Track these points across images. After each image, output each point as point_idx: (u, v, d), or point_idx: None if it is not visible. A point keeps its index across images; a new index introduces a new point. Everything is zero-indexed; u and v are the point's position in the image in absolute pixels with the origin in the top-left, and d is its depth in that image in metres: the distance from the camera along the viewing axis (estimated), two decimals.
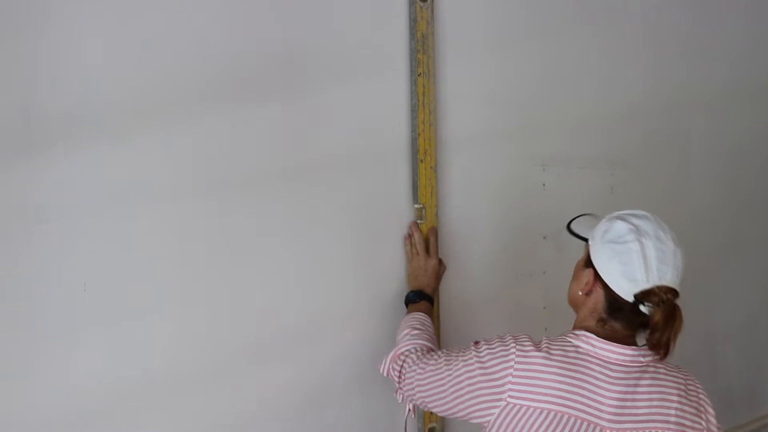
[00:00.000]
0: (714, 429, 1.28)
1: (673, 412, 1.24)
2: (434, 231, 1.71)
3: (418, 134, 1.66)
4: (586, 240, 1.36)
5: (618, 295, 1.25)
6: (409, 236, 1.70)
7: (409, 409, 1.52)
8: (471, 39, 1.77)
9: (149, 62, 1.37)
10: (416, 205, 1.69)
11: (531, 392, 1.23)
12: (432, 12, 1.65)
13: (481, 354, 1.31)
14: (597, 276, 1.28)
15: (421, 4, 1.63)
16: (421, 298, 1.64)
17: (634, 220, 1.27)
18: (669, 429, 1.23)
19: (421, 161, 1.67)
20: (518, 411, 1.23)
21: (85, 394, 1.35)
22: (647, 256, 1.22)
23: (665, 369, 1.27)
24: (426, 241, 1.69)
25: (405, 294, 1.69)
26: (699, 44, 2.28)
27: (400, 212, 1.71)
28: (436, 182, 1.70)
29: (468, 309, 1.81)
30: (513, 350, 1.27)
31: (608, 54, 2.05)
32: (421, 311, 1.60)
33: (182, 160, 1.41)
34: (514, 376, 1.25)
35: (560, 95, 1.97)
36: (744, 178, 2.43)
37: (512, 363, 1.26)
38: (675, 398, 1.25)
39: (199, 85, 1.42)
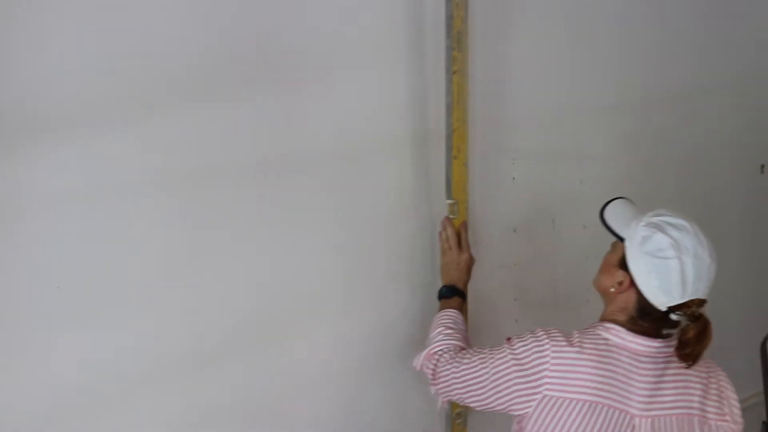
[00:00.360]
0: (737, 415, 1.38)
1: (696, 399, 1.35)
2: (465, 225, 1.75)
3: (453, 131, 1.69)
4: (618, 237, 1.40)
5: (651, 303, 1.32)
6: (443, 230, 1.73)
7: (442, 403, 1.59)
8: (439, 30, 1.76)
9: (123, 55, 1.35)
10: (449, 201, 1.73)
11: (567, 385, 1.32)
12: (467, 10, 1.67)
13: (516, 351, 1.38)
14: (633, 281, 1.34)
15: (457, 1, 1.64)
16: (454, 294, 1.68)
17: (674, 233, 1.31)
18: (693, 415, 1.34)
19: (455, 158, 1.70)
20: (555, 403, 1.32)
21: (59, 393, 1.37)
22: (685, 274, 1.29)
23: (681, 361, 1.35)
24: (457, 235, 1.73)
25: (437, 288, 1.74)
26: (668, 40, 2.32)
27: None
28: (467, 178, 1.75)
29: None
30: (548, 345, 1.35)
31: (579, 49, 2.07)
32: (453, 308, 1.64)
33: (160, 155, 1.42)
34: (550, 371, 1.33)
35: (530, 89, 1.97)
36: (709, 173, 2.51)
37: (548, 358, 1.33)
38: (698, 387, 1.36)
39: (187, 74, 1.43)
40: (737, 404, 1.40)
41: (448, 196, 1.73)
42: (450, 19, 1.65)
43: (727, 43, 2.50)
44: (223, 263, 1.52)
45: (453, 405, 1.78)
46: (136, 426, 1.46)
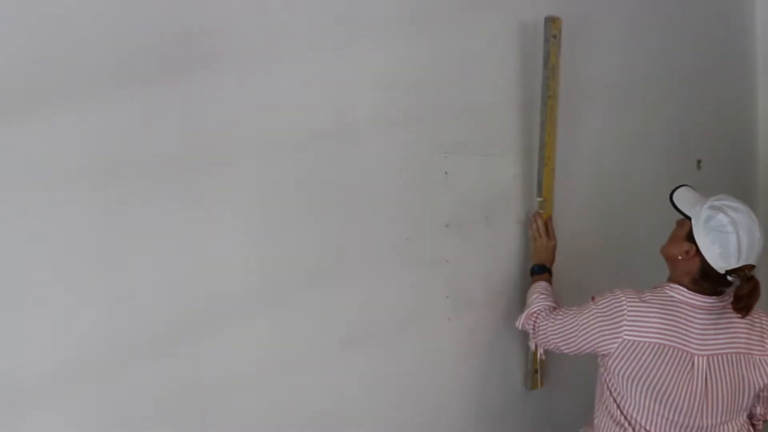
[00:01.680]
0: None
1: (743, 339, 1.76)
2: (550, 218, 2.22)
3: (545, 144, 2.16)
4: (685, 215, 1.78)
5: (713, 268, 1.72)
6: (534, 222, 2.19)
7: (541, 353, 2.08)
8: (377, 21, 1.83)
9: (24, 46, 1.30)
10: (539, 199, 2.19)
11: (641, 330, 1.75)
12: (559, 46, 2.12)
13: (599, 306, 1.83)
14: (698, 250, 1.73)
15: (553, 40, 2.11)
16: (544, 271, 2.16)
17: (732, 213, 1.70)
18: (740, 353, 1.74)
19: (546, 165, 2.17)
20: (632, 345, 1.75)
21: None
22: (741, 245, 1.68)
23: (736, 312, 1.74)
24: (545, 226, 2.20)
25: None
26: (606, 37, 2.48)
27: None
28: (554, 182, 2.18)
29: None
30: (624, 300, 1.77)
31: (511, 43, 2.16)
32: (545, 280, 2.13)
33: (69, 149, 1.35)
34: (628, 319, 1.75)
35: (463, 82, 2.02)
36: (648, 167, 2.70)
37: (625, 310, 1.76)
38: (745, 329, 1.76)
39: (100, 64, 1.38)
40: None
41: (539, 194, 2.19)
42: (547, 54, 2.12)
43: (664, 41, 2.74)
44: (143, 260, 1.45)
45: (534, 362, 2.22)
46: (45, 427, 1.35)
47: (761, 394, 1.86)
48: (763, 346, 1.79)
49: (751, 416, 1.93)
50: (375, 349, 1.88)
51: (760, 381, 1.80)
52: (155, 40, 1.45)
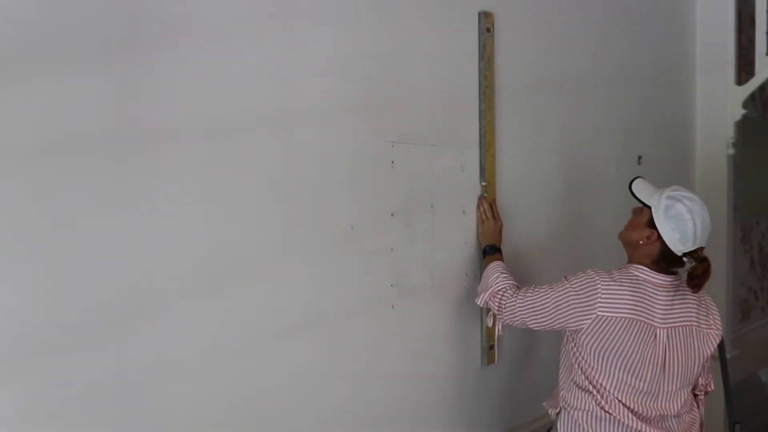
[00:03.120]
0: (718, 323, 1.98)
1: (694, 314, 1.94)
2: (495, 201, 2.32)
3: (486, 131, 2.24)
4: (645, 204, 1.93)
5: (672, 251, 1.90)
6: (480, 205, 2.28)
7: (499, 329, 2.18)
8: (325, 9, 1.84)
9: None
10: (483, 183, 2.27)
11: (614, 306, 1.88)
12: (494, 39, 2.23)
13: (573, 284, 1.94)
14: (659, 236, 1.90)
15: (487, 33, 2.20)
16: (496, 251, 2.24)
17: (688, 203, 1.88)
18: (692, 325, 1.93)
19: (488, 151, 2.26)
20: (606, 320, 1.87)
21: None
22: (696, 230, 1.87)
23: (688, 288, 1.93)
24: (491, 208, 2.29)
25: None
26: (554, 34, 2.58)
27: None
28: (495, 166, 2.29)
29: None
30: (598, 279, 1.90)
31: (460, 34, 2.21)
32: (498, 260, 2.20)
33: (4, 126, 1.32)
34: (601, 297, 1.88)
35: (409, 73, 2.05)
36: (591, 162, 2.79)
37: (599, 288, 1.89)
38: (695, 305, 1.95)
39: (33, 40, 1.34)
40: (718, 317, 2.01)
41: (482, 179, 2.27)
42: (483, 47, 2.21)
43: (604, 40, 2.86)
44: (74, 244, 1.40)
45: (489, 338, 2.31)
46: None
47: (705, 364, 2.04)
48: (708, 321, 1.99)
49: (693, 387, 2.06)
50: (321, 337, 1.88)
51: (707, 350, 1.99)
52: (92, 18, 1.42)
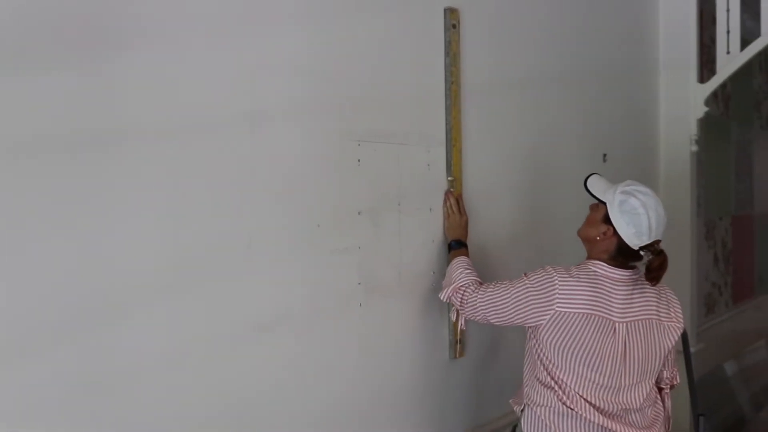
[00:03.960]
0: (680, 316, 2.00)
1: (654, 307, 1.96)
2: (461, 195, 2.33)
3: (452, 127, 2.25)
4: (600, 200, 1.96)
5: (628, 245, 1.92)
6: (446, 200, 2.28)
7: (462, 324, 2.19)
8: (288, 7, 1.83)
9: None
10: (449, 178, 2.28)
11: (572, 302, 1.90)
12: (459, 34, 2.23)
13: (531, 280, 1.96)
14: (614, 231, 1.92)
15: (453, 29, 2.21)
16: (461, 246, 2.25)
17: (642, 197, 1.90)
18: (652, 318, 1.94)
19: (454, 146, 2.27)
20: (564, 316, 1.90)
21: None
22: (651, 224, 1.89)
23: (647, 282, 1.95)
24: (457, 203, 2.29)
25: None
26: (517, 33, 2.59)
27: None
28: (461, 161, 2.30)
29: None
30: (555, 275, 1.92)
31: (426, 31, 2.21)
32: (464, 255, 2.21)
33: None
34: (559, 293, 1.90)
35: (376, 69, 2.05)
36: (556, 160, 2.82)
37: (557, 284, 1.92)
38: (654, 299, 1.96)
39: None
40: (680, 310, 2.02)
41: (449, 174, 2.28)
42: (449, 44, 2.22)
43: (569, 39, 2.89)
44: (41, 244, 1.38)
45: (454, 332, 2.32)
46: None
47: (668, 357, 2.05)
48: (669, 314, 2.00)
49: (659, 381, 2.08)
50: (289, 336, 1.87)
51: (668, 343, 2.00)
52: (52, 16, 1.40)
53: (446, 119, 2.28)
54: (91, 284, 1.47)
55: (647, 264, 1.94)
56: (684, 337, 2.17)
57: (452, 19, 2.27)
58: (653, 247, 1.93)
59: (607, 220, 1.94)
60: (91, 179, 1.47)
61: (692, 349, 3.10)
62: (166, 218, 1.59)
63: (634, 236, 1.91)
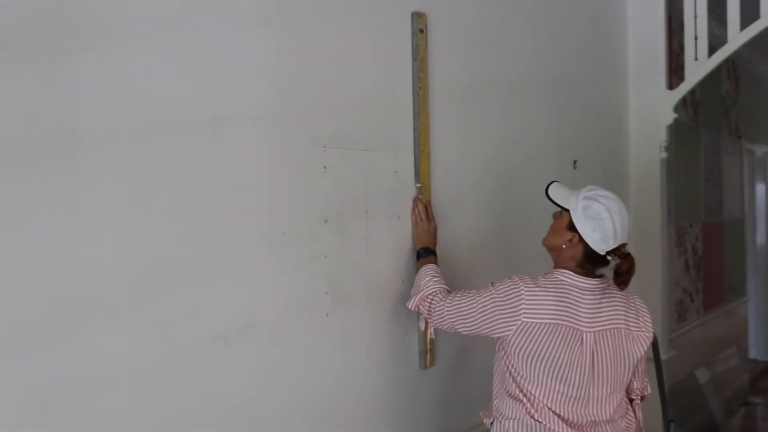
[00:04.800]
0: (649, 325, 1.98)
1: (622, 316, 1.94)
2: (429, 202, 2.31)
3: (420, 133, 2.23)
4: (562, 207, 1.95)
5: (594, 251, 1.91)
6: (415, 207, 2.26)
7: (431, 333, 2.18)
8: (253, 10, 1.82)
9: None
10: (417, 185, 2.26)
11: (538, 312, 1.88)
12: (427, 39, 2.22)
13: (498, 290, 1.94)
14: (580, 238, 1.91)
15: (420, 34, 2.19)
16: (430, 253, 2.23)
17: (605, 201, 1.90)
18: (620, 328, 1.92)
19: (422, 152, 2.25)
20: (530, 326, 1.88)
21: None
22: (616, 227, 1.89)
23: (616, 290, 1.94)
24: (425, 210, 2.28)
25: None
26: (488, 39, 2.58)
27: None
28: (430, 167, 2.28)
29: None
30: (522, 286, 1.90)
31: (393, 35, 2.20)
32: (432, 263, 2.19)
33: None
34: (525, 303, 1.88)
35: (342, 73, 2.03)
36: (526, 167, 2.83)
37: (523, 294, 1.89)
38: (623, 308, 1.94)
39: None
40: (649, 318, 2.00)
41: (417, 180, 2.26)
42: (416, 48, 2.20)
43: (538, 44, 2.89)
44: (2, 251, 1.36)
45: (424, 341, 2.30)
46: None
47: (638, 367, 2.04)
48: (638, 323, 1.98)
49: (629, 391, 2.06)
50: (255, 346, 1.82)
51: (637, 352, 1.98)
52: (11, 17, 1.37)
53: (414, 125, 2.26)
54: (49, 293, 1.43)
55: (615, 268, 1.93)
56: (655, 344, 2.16)
57: (420, 24, 2.26)
58: (620, 251, 1.92)
59: (571, 227, 1.94)
60: (46, 184, 1.43)
61: (664, 357, 3.11)
62: (126, 226, 1.56)
63: (600, 241, 1.90)
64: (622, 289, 1.95)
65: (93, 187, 1.50)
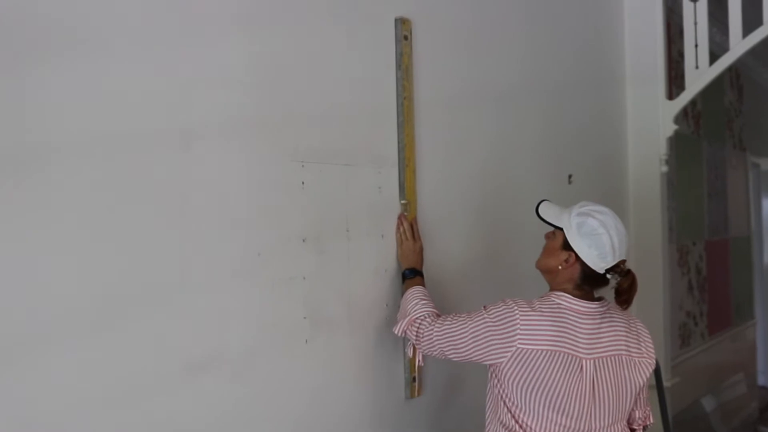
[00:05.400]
0: (651, 351, 1.99)
1: (623, 342, 1.94)
2: (415, 220, 2.32)
3: (404, 146, 2.24)
4: (555, 226, 1.96)
5: (593, 270, 1.91)
6: (399, 225, 2.27)
7: (419, 360, 2.17)
8: (223, 12, 1.82)
9: None
10: (402, 201, 2.27)
11: (535, 338, 1.87)
12: (411, 46, 2.24)
13: (491, 314, 1.94)
14: (577, 257, 1.91)
15: (404, 41, 2.21)
16: (416, 274, 2.24)
17: (600, 216, 1.91)
18: (621, 354, 1.92)
19: (407, 166, 2.26)
20: (526, 353, 1.87)
21: None
22: (614, 243, 1.90)
23: (616, 313, 1.96)
24: (411, 228, 2.28)
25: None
26: (459, 40, 2.57)
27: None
28: (415, 183, 2.29)
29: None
30: (516, 309, 1.90)
31: (376, 43, 2.21)
32: (419, 284, 2.20)
33: None
34: (521, 328, 1.88)
35: (321, 83, 2.04)
36: (520, 181, 2.85)
37: (518, 318, 1.89)
38: (623, 333, 1.95)
39: None
40: (651, 344, 2.01)
41: (402, 197, 2.27)
42: (400, 55, 2.22)
43: (530, 51, 2.93)
44: None
45: (411, 369, 2.29)
46: None
47: (640, 395, 2.04)
48: (639, 349, 1.99)
49: (631, 422, 2.07)
50: (226, 376, 1.82)
51: (639, 380, 1.99)
52: None
53: (398, 137, 2.28)
54: (2, 318, 1.41)
55: (616, 287, 1.94)
56: (657, 371, 2.17)
57: (404, 30, 2.28)
58: (619, 268, 1.93)
59: (566, 246, 1.95)
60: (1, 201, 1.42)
61: (666, 384, 3.12)
62: (84, 246, 1.54)
63: (598, 259, 1.91)
64: (625, 309, 1.96)
65: (52, 205, 1.49)
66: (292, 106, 1.98)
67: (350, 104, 2.15)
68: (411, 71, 2.31)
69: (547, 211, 2.03)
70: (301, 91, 2.01)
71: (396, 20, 2.29)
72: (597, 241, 1.91)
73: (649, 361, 2.00)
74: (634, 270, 1.98)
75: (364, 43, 2.21)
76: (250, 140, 1.88)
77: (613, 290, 1.96)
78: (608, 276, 1.94)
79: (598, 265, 1.92)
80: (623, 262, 1.95)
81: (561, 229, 1.96)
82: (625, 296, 1.93)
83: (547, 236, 2.03)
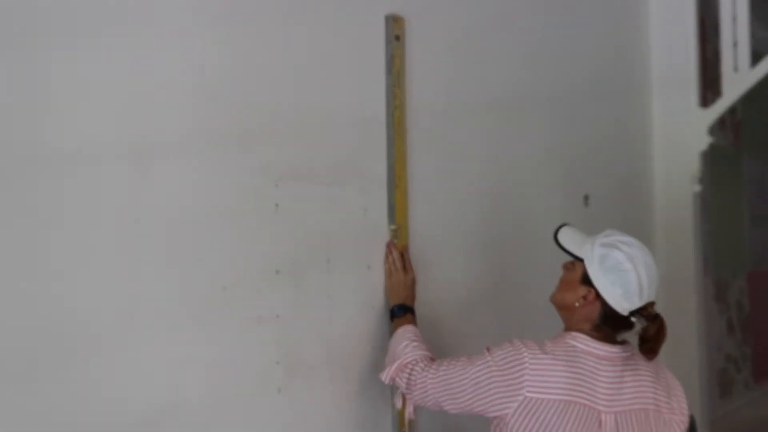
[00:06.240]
0: (684, 406, 1.99)
1: (650, 395, 1.94)
2: (407, 248, 2.37)
3: (395, 162, 2.30)
4: (575, 257, 1.99)
5: (615, 310, 1.93)
6: (388, 254, 2.32)
7: (410, 412, 2.19)
8: (189, 15, 1.86)
9: None
10: (392, 226, 2.32)
11: (545, 386, 1.89)
12: (404, 48, 2.29)
13: (496, 358, 1.98)
14: (597, 294, 1.94)
15: (396, 42, 2.27)
16: (406, 311, 2.28)
17: (627, 249, 1.94)
18: (648, 410, 1.93)
19: (397, 187, 2.31)
20: (535, 403, 1.89)
21: None
22: (641, 282, 1.91)
23: (642, 361, 1.96)
24: (401, 258, 2.33)
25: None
26: (477, 41, 2.66)
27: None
28: (407, 206, 2.33)
29: None
30: (525, 353, 1.93)
31: (363, 44, 2.27)
32: (410, 323, 2.25)
33: None
34: (530, 374, 1.90)
35: (299, 90, 2.08)
36: (534, 203, 2.91)
37: (527, 363, 1.91)
38: (651, 383, 1.95)
39: None
40: (683, 398, 2.01)
41: (391, 221, 2.32)
42: (391, 58, 2.28)
43: (545, 55, 3.01)
44: None
45: (401, 423, 2.33)
46: None
47: None
48: (670, 404, 2.00)
49: None
50: None
51: None
52: None
53: (388, 153, 2.33)
54: None
55: (641, 333, 1.97)
56: (693, 427, 2.20)
57: (396, 30, 2.33)
58: (647, 311, 1.96)
59: (586, 280, 1.98)
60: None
61: None
62: (16, 280, 1.55)
63: (622, 298, 1.94)
64: (650, 359, 1.98)
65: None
66: (265, 117, 2.02)
67: (333, 114, 2.19)
68: (403, 77, 2.36)
69: (567, 238, 2.06)
70: (275, 100, 2.05)
71: (387, 18, 2.33)
72: (622, 278, 1.94)
73: (682, 419, 2.02)
74: (662, 307, 2.01)
75: (349, 44, 2.26)
76: (214, 156, 1.91)
77: (636, 335, 1.99)
78: (633, 319, 1.97)
79: (622, 305, 1.95)
80: (652, 304, 1.97)
81: (581, 260, 2.00)
82: (650, 345, 1.96)
83: (565, 266, 2.06)
